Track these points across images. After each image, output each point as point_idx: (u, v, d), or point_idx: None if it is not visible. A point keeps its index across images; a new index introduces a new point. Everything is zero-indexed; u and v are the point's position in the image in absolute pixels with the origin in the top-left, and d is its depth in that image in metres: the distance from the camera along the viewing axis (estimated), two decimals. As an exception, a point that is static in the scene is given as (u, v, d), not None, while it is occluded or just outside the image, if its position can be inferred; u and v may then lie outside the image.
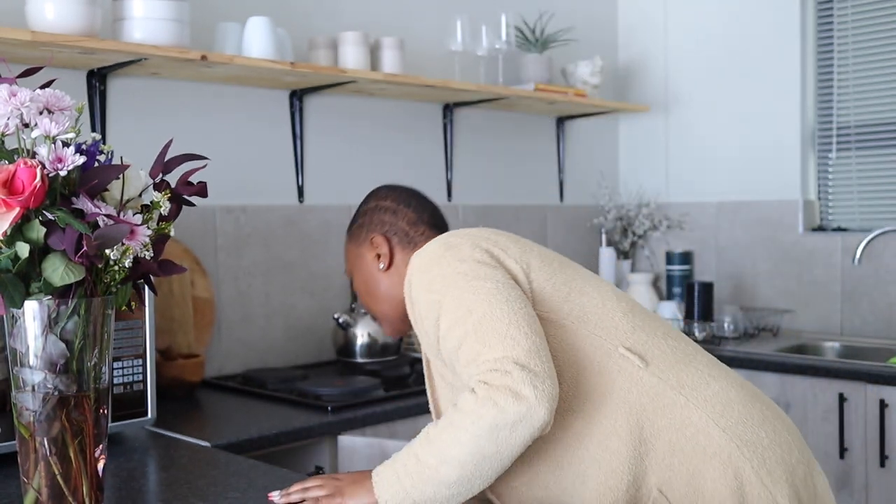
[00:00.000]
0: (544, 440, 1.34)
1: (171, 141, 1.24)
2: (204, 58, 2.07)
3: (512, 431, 1.22)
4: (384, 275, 1.54)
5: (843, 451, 2.46)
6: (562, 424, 1.34)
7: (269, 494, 1.33)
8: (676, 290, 3.21)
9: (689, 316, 2.96)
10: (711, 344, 2.87)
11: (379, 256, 1.54)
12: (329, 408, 1.97)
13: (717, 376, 1.40)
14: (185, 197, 1.21)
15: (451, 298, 1.33)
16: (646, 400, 1.33)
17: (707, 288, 2.96)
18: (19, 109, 1.06)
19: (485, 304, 1.30)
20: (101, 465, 1.16)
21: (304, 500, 1.30)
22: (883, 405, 2.38)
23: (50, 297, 1.08)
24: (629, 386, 1.34)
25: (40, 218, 1.05)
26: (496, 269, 1.36)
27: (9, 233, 1.03)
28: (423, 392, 2.16)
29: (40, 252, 1.06)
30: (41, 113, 1.08)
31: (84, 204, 1.07)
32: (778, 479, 1.32)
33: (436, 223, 1.59)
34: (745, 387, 1.42)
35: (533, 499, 1.39)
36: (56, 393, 1.10)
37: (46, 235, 1.05)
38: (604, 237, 3.45)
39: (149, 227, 1.13)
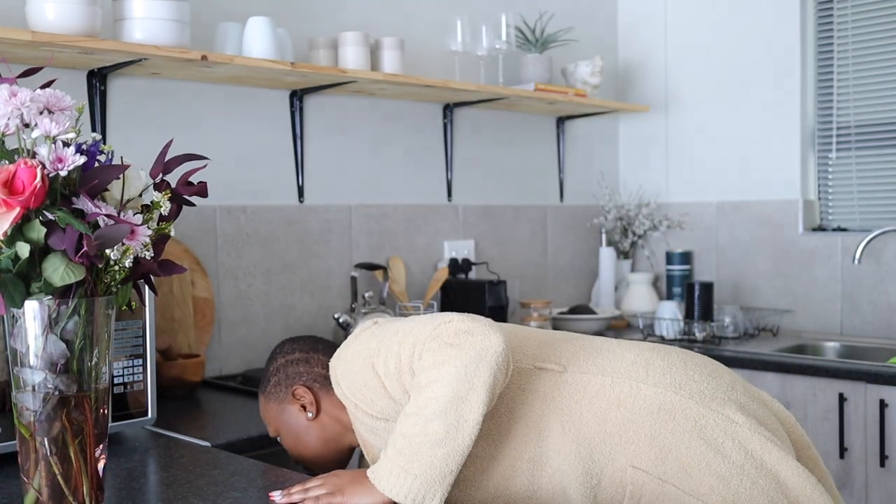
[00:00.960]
0: (490, 460, 1.39)
1: (171, 141, 1.24)
2: (204, 58, 2.07)
3: (478, 364, 1.28)
4: (314, 423, 1.55)
5: (843, 450, 2.46)
6: (506, 448, 1.38)
7: (271, 494, 1.33)
8: (676, 290, 3.21)
9: (689, 316, 2.96)
10: (711, 344, 2.87)
11: (304, 407, 1.55)
12: (329, 408, 1.97)
13: (629, 347, 1.46)
14: (186, 197, 1.21)
15: (374, 346, 1.41)
16: (577, 396, 1.38)
17: (707, 288, 2.96)
18: (20, 109, 1.06)
19: (405, 325, 1.38)
20: (101, 465, 1.16)
21: (304, 500, 1.30)
22: (883, 405, 2.38)
23: (50, 297, 1.08)
24: (553, 391, 1.39)
25: (41, 218, 1.05)
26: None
27: (9, 233, 1.03)
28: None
29: (41, 252, 1.06)
30: (41, 113, 1.08)
31: (84, 204, 1.07)
32: (724, 402, 1.36)
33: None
34: (658, 348, 1.47)
35: None
36: (56, 393, 1.10)
37: (47, 235, 1.05)
38: (604, 237, 3.45)
39: (149, 227, 1.13)
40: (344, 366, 1.47)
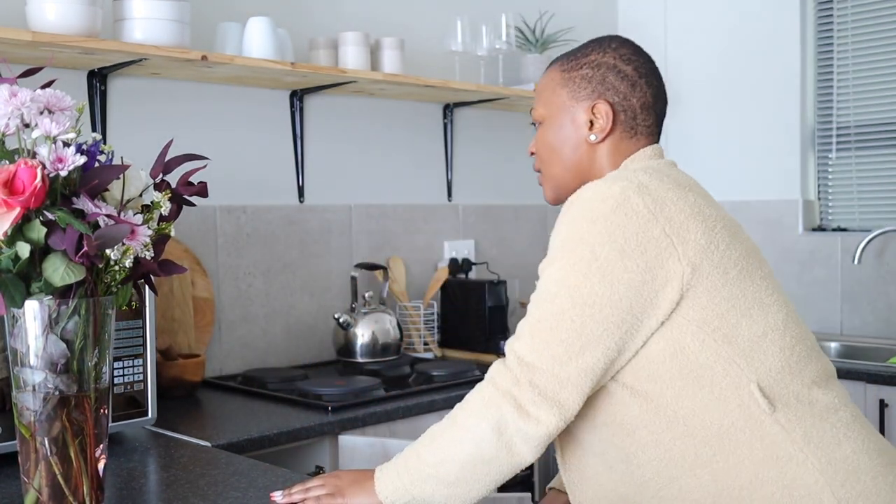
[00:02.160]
0: (636, 451, 1.27)
1: (171, 141, 1.24)
2: (204, 58, 2.07)
3: (512, 441, 1.22)
4: (587, 145, 1.38)
5: (842, 450, 2.45)
6: (656, 437, 1.25)
7: (272, 495, 1.33)
8: (676, 290, 3.21)
9: (689, 316, 2.96)
10: (711, 344, 2.86)
11: (592, 125, 1.38)
12: (329, 408, 1.97)
13: (852, 437, 1.24)
14: (186, 197, 1.21)
15: (561, 267, 1.24)
16: (758, 446, 1.21)
17: (707, 288, 2.96)
18: (20, 109, 1.06)
19: (572, 300, 1.21)
20: (101, 465, 1.16)
21: (305, 500, 1.30)
22: (883, 405, 2.38)
23: (50, 297, 1.08)
24: (743, 425, 1.21)
25: (41, 218, 1.05)
26: (636, 272, 1.21)
27: (9, 233, 1.03)
28: (423, 392, 2.16)
29: (41, 252, 1.06)
30: (42, 113, 1.08)
31: (84, 204, 1.07)
32: None
33: (661, 117, 1.42)
34: (883, 453, 1.26)
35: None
36: (57, 393, 1.10)
37: (47, 235, 1.05)
38: (604, 237, 3.44)
39: (149, 228, 1.14)
40: (581, 217, 1.25)
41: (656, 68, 1.44)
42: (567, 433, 1.35)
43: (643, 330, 1.23)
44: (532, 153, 1.48)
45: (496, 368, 1.26)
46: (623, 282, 1.20)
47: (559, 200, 1.44)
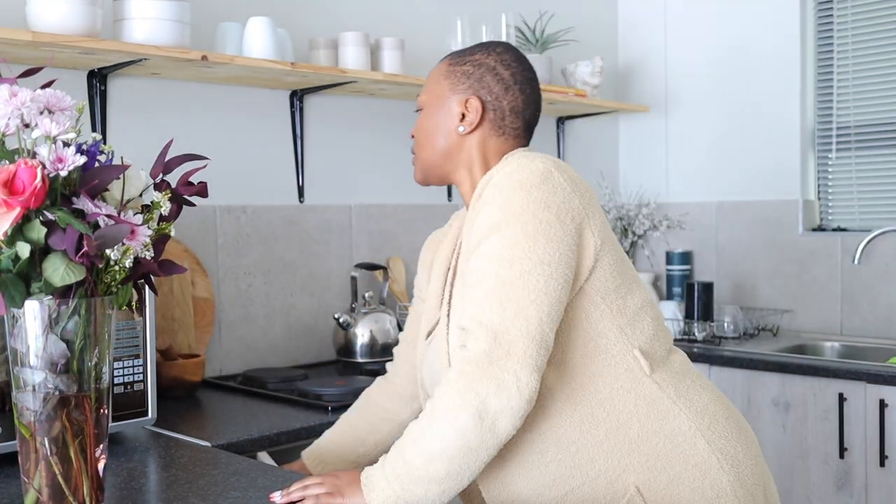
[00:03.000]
0: (551, 414, 1.36)
1: (171, 141, 1.24)
2: (204, 58, 2.07)
3: (494, 422, 1.24)
4: (457, 136, 1.49)
5: (842, 450, 2.46)
6: (563, 402, 1.36)
7: (271, 495, 1.33)
8: (676, 290, 3.21)
9: (689, 316, 2.96)
10: (711, 344, 2.87)
11: (463, 118, 1.48)
12: (329, 408, 1.97)
13: (706, 388, 1.44)
14: (186, 197, 1.21)
15: (511, 233, 1.30)
16: (642, 404, 1.36)
17: (707, 288, 2.96)
18: (20, 109, 1.06)
19: (531, 262, 1.28)
20: (101, 465, 1.16)
21: (304, 499, 1.30)
22: (883, 405, 2.39)
23: (50, 297, 1.08)
24: (630, 386, 1.36)
25: (41, 218, 1.05)
26: (569, 235, 1.31)
27: (9, 233, 1.03)
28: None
29: (41, 252, 1.06)
30: (42, 113, 1.08)
31: (85, 204, 1.07)
32: (749, 493, 1.38)
33: (530, 123, 1.54)
34: (722, 400, 1.46)
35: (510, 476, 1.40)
36: (57, 393, 1.10)
37: (47, 235, 1.05)
38: (604, 237, 3.45)
39: (149, 227, 1.14)
40: (510, 189, 1.33)
41: (534, 78, 1.54)
42: None
43: (572, 293, 1.35)
44: (412, 136, 1.58)
45: (464, 359, 1.26)
46: (565, 242, 1.31)
47: (426, 182, 1.58)
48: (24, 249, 1.04)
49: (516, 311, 1.26)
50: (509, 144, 1.52)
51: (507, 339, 1.25)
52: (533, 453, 1.36)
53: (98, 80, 2.16)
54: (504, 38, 2.88)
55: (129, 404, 1.71)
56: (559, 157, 3.40)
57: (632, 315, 1.39)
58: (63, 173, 1.05)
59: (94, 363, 1.13)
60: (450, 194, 3.01)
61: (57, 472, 1.11)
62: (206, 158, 1.23)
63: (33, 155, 1.06)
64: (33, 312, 1.09)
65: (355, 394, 2.09)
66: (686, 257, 3.24)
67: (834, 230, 3.16)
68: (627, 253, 3.49)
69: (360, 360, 2.49)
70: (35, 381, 1.10)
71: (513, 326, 1.25)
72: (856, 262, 2.86)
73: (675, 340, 2.93)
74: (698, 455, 1.36)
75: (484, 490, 1.42)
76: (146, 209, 1.16)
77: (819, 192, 3.23)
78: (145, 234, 1.11)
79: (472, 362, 1.25)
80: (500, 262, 1.29)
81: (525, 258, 1.28)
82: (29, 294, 1.07)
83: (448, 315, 1.44)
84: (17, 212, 1.02)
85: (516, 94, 1.49)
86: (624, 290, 1.39)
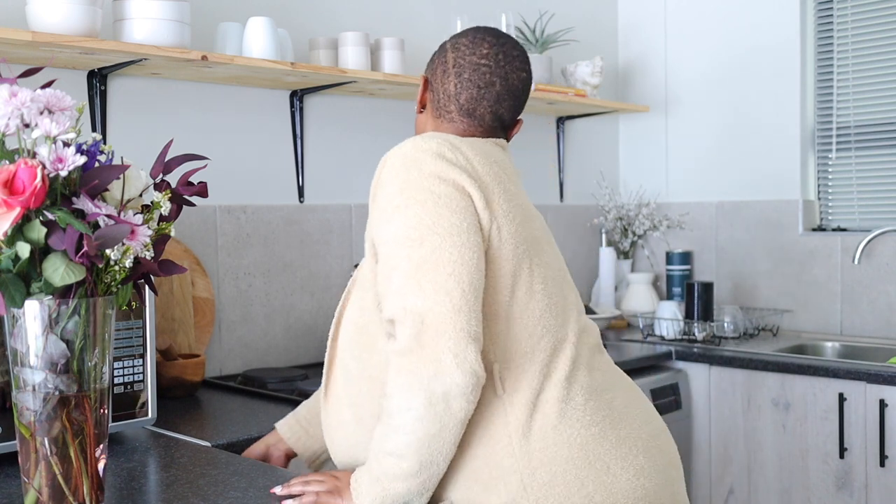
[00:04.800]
0: None
1: (171, 141, 1.24)
2: (204, 58, 2.07)
3: (447, 404, 1.22)
4: (418, 113, 1.56)
5: (843, 450, 2.46)
6: None
7: (272, 490, 1.34)
8: (676, 290, 3.21)
9: (689, 316, 2.96)
10: (711, 344, 2.87)
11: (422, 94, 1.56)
12: (329, 408, 1.97)
13: (569, 429, 1.33)
14: (186, 197, 1.21)
15: (413, 213, 1.28)
16: (483, 422, 1.31)
17: (707, 288, 2.96)
18: (20, 109, 1.06)
19: (440, 237, 1.26)
20: (101, 465, 1.16)
21: (304, 493, 1.31)
22: (883, 405, 2.39)
23: (50, 297, 1.08)
24: (483, 409, 1.31)
25: (41, 218, 1.05)
26: (471, 205, 1.30)
27: (10, 233, 1.03)
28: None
29: (41, 252, 1.06)
30: (42, 113, 1.08)
31: (85, 204, 1.07)
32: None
33: (469, 111, 1.48)
34: (604, 441, 1.34)
35: None
36: (57, 393, 1.10)
37: (47, 235, 1.05)
38: (604, 237, 3.45)
39: (149, 228, 1.14)
40: (391, 177, 1.34)
41: (486, 64, 1.48)
42: (334, 384, 1.45)
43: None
44: None
45: (397, 351, 1.24)
46: (469, 211, 1.30)
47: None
48: (24, 249, 1.04)
49: (436, 289, 1.23)
50: (443, 128, 1.51)
51: (433, 318, 1.22)
52: (361, 435, 1.40)
53: (98, 80, 2.16)
54: (504, 38, 2.87)
55: (129, 404, 1.71)
56: (559, 156, 3.40)
57: (503, 324, 1.33)
58: (63, 173, 1.06)
59: (94, 363, 1.13)
60: (450, 194, 3.01)
61: (57, 472, 1.11)
62: (206, 158, 1.23)
63: (33, 155, 1.06)
64: (33, 312, 1.09)
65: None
66: (686, 257, 3.24)
67: (834, 230, 3.16)
68: (626, 254, 3.50)
69: (360, 360, 2.49)
70: (35, 381, 1.10)
71: (435, 304, 1.22)
72: (856, 262, 2.86)
73: (676, 340, 2.93)
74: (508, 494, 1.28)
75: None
76: (146, 209, 1.16)
77: (819, 192, 3.23)
78: (145, 234, 1.12)
79: (406, 353, 1.23)
80: (409, 244, 1.27)
81: (432, 234, 1.26)
82: (29, 294, 1.07)
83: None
84: (17, 212, 1.02)
85: (451, 80, 1.49)
86: (505, 293, 1.32)
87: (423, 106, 1.55)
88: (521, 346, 1.32)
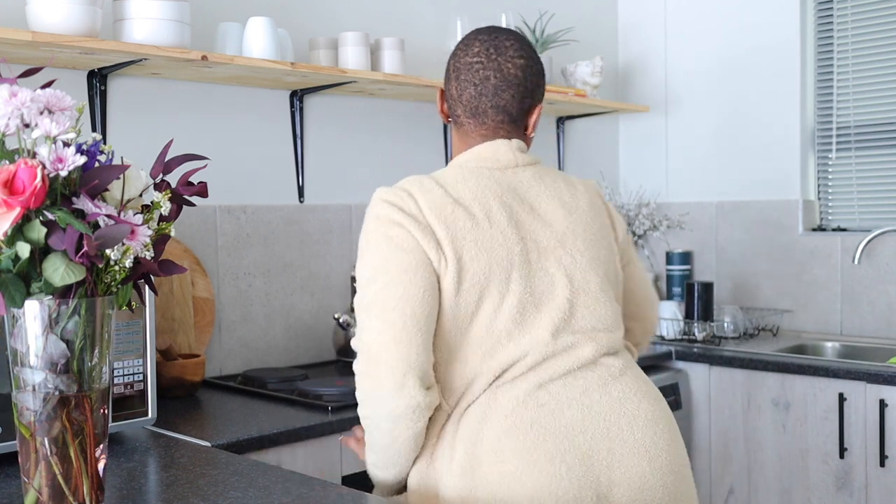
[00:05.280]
0: None
1: (171, 141, 1.24)
2: (204, 58, 2.07)
3: (394, 424, 1.40)
4: (446, 124, 1.71)
5: (843, 450, 2.46)
6: None
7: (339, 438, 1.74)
8: (676, 290, 3.21)
9: (689, 316, 2.97)
10: (711, 344, 2.87)
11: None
12: (329, 408, 1.97)
13: (491, 436, 1.46)
14: (186, 197, 1.21)
15: (369, 257, 1.43)
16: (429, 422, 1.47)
17: (707, 288, 2.96)
18: (20, 109, 1.06)
19: (387, 276, 1.39)
20: (101, 465, 1.16)
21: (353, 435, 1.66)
22: (883, 405, 2.39)
23: (50, 297, 1.08)
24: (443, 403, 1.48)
25: (41, 218, 1.05)
26: (416, 247, 1.41)
27: (9, 233, 1.03)
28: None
29: (41, 252, 1.06)
30: (42, 113, 1.08)
31: (85, 204, 1.07)
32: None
33: (473, 110, 1.55)
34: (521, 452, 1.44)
35: None
36: (57, 393, 1.10)
37: (47, 235, 1.05)
38: (604, 237, 3.44)
39: (149, 228, 1.14)
40: (366, 218, 1.49)
41: (477, 62, 1.53)
42: None
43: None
44: None
45: (355, 383, 1.45)
46: (419, 250, 1.41)
47: None
48: (24, 249, 1.04)
49: (381, 322, 1.37)
50: (459, 133, 1.59)
51: (377, 350, 1.38)
52: None
53: (98, 80, 2.16)
54: (504, 38, 2.87)
55: (129, 404, 1.71)
56: (559, 156, 3.40)
57: (459, 340, 1.47)
58: (63, 173, 1.05)
59: (94, 363, 1.13)
60: (450, 194, 3.01)
61: (57, 472, 1.11)
62: (206, 158, 1.23)
63: (33, 155, 1.06)
64: (33, 312, 1.09)
65: (355, 394, 2.09)
66: (686, 257, 3.24)
67: (834, 230, 3.16)
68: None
69: (360, 360, 2.49)
70: (35, 381, 1.10)
71: (379, 336, 1.37)
72: (856, 262, 2.86)
73: (676, 340, 2.93)
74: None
75: None
76: (146, 209, 1.16)
77: (819, 192, 3.23)
78: (145, 234, 1.11)
79: (360, 376, 1.42)
80: (367, 283, 1.42)
81: (384, 273, 1.40)
82: (29, 294, 1.07)
83: None
84: (17, 212, 1.02)
85: (452, 83, 1.56)
86: (466, 314, 1.44)
87: (446, 117, 1.62)
88: (468, 368, 1.45)
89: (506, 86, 1.52)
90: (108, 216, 1.08)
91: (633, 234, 3.48)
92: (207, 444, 1.72)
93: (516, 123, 1.57)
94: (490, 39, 1.53)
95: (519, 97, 1.54)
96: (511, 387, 1.43)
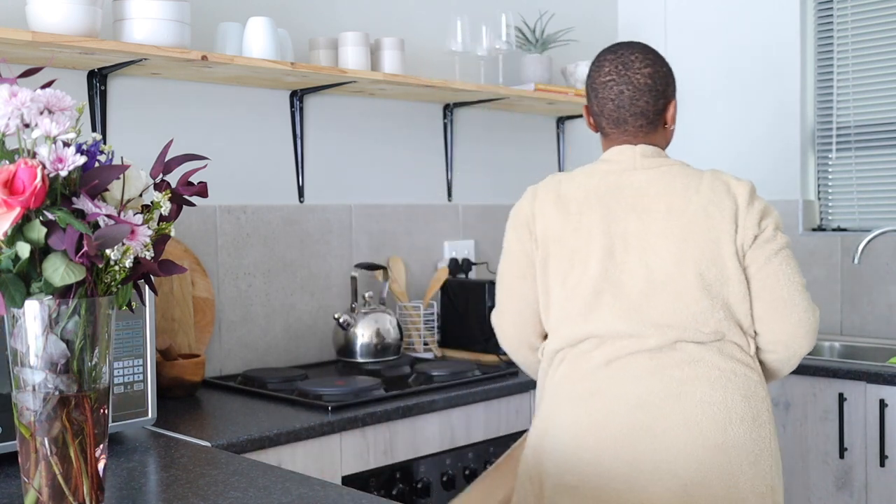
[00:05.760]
0: None
1: (171, 141, 1.24)
2: (204, 58, 2.07)
3: (514, 358, 1.95)
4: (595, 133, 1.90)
5: (843, 450, 2.46)
6: None
7: None
8: (676, 290, 3.20)
9: (689, 316, 2.96)
10: (711, 344, 2.87)
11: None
12: (329, 408, 1.97)
13: (562, 380, 1.81)
14: (186, 197, 1.21)
15: (504, 249, 1.88)
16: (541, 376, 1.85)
17: (707, 288, 2.96)
18: (20, 109, 1.06)
19: (505, 265, 1.86)
20: (101, 465, 1.16)
21: None
22: (883, 405, 2.39)
23: (50, 297, 1.08)
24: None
25: (41, 218, 1.05)
26: (523, 242, 1.81)
27: (9, 233, 1.03)
28: (423, 392, 2.17)
29: (41, 252, 1.06)
30: (42, 113, 1.08)
31: (85, 204, 1.07)
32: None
33: (616, 119, 1.78)
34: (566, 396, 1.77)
35: None
36: (57, 393, 1.10)
37: (47, 235, 1.05)
38: (604, 237, 3.45)
39: (149, 228, 1.13)
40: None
41: (608, 84, 1.77)
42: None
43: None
44: None
45: None
46: (516, 250, 1.84)
47: None
48: (24, 249, 1.04)
49: (499, 303, 1.90)
50: (607, 140, 1.83)
51: (493, 315, 1.94)
52: None
53: (98, 80, 2.16)
54: (503, 38, 2.88)
55: (129, 404, 1.71)
56: (559, 157, 3.40)
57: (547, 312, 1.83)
58: (63, 173, 1.05)
59: (94, 363, 1.13)
60: (450, 194, 3.01)
61: (57, 472, 1.11)
62: (206, 158, 1.23)
63: (33, 155, 1.06)
64: (33, 312, 1.09)
65: (355, 394, 2.10)
66: (686, 257, 3.23)
67: (834, 230, 3.16)
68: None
69: (360, 360, 2.49)
70: (35, 381, 1.10)
71: (496, 314, 1.91)
72: (856, 262, 2.86)
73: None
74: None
75: None
76: (146, 209, 1.16)
77: (819, 192, 3.23)
78: (145, 234, 1.11)
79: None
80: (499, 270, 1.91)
81: (503, 262, 1.87)
82: (29, 294, 1.07)
83: None
84: (17, 212, 1.02)
85: (593, 101, 1.81)
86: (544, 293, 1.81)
87: (594, 129, 1.85)
88: (553, 339, 1.80)
89: (639, 94, 1.74)
90: (108, 216, 1.08)
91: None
92: (207, 444, 1.73)
93: (654, 124, 1.78)
94: (617, 58, 1.76)
95: (653, 101, 1.76)
96: (583, 359, 1.70)
